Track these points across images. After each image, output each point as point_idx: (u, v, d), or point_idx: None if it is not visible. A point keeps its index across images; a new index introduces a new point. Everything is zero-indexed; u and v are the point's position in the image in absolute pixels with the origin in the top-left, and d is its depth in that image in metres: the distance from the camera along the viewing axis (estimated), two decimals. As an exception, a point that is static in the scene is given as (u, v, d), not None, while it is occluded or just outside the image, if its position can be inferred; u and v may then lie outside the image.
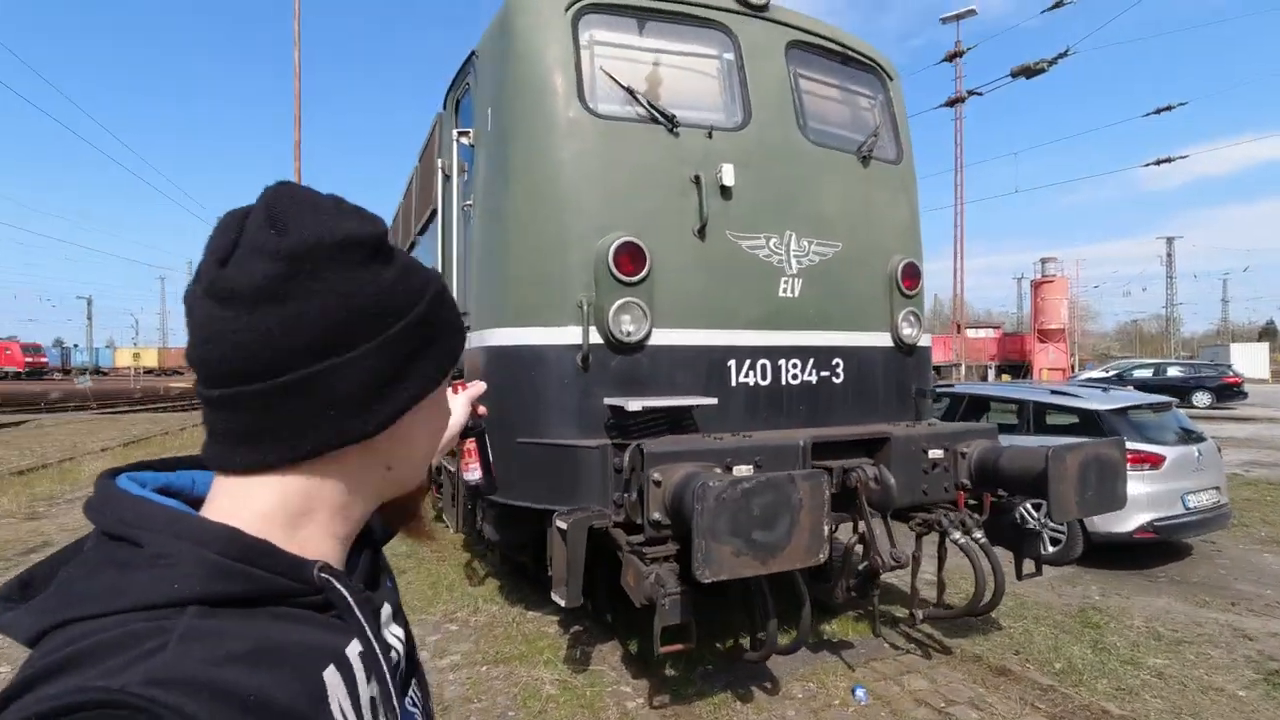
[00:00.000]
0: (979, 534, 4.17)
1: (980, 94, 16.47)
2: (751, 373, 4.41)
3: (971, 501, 4.52)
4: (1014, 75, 12.95)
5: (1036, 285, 47.59)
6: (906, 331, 5.02)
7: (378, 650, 0.68)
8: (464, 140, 5.18)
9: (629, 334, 4.09)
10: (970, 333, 46.61)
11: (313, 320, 0.62)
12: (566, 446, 3.96)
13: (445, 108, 6.15)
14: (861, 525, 3.98)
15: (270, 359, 0.62)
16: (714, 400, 4.03)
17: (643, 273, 4.13)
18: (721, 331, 4.35)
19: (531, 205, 4.29)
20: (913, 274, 5.09)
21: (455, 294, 5.69)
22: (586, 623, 5.12)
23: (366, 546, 0.80)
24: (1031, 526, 6.33)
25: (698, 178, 4.29)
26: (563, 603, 3.62)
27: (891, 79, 5.49)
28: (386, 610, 0.78)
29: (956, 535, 4.14)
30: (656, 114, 4.32)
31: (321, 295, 0.63)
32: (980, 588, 4.17)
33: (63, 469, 13.13)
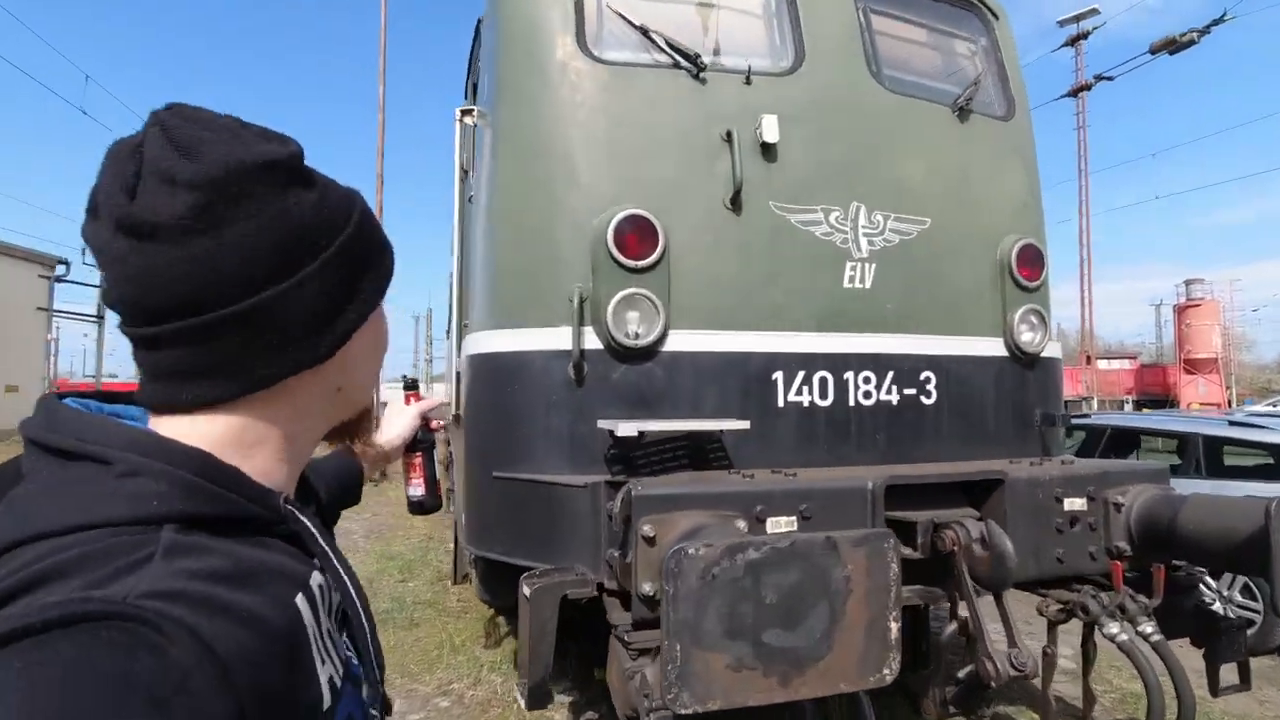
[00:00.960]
0: (1149, 627, 2.82)
1: (1111, 78, 14.32)
2: (806, 389, 3.29)
3: (1131, 572, 3.15)
4: (1154, 51, 10.93)
5: (1181, 310, 42.69)
6: (1026, 336, 3.74)
7: (338, 585, 0.73)
8: (467, 120, 4.41)
9: (635, 336, 3.09)
10: (1102, 364, 42.16)
11: (249, 248, 0.62)
12: (545, 484, 2.98)
13: (465, 96, 5.47)
14: (962, 607, 2.74)
15: (211, 292, 0.61)
16: (745, 424, 2.93)
17: (654, 255, 3.13)
18: (764, 334, 3.26)
19: (518, 175, 3.41)
20: (1033, 260, 3.81)
21: (457, 305, 4.95)
22: (604, 709, 4.05)
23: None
24: (1226, 612, 4.70)
25: (730, 134, 3.27)
26: (522, 702, 2.60)
27: (996, 18, 4.29)
28: (336, 544, 0.81)
29: (1113, 628, 2.80)
30: (677, 56, 3.36)
31: (252, 221, 0.62)
32: (1155, 709, 2.80)
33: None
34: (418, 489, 1.26)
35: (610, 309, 3.06)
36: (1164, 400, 40.85)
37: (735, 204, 3.28)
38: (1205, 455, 5.71)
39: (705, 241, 3.26)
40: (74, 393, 0.69)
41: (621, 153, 3.29)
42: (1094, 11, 24.70)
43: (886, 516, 2.78)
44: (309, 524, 0.71)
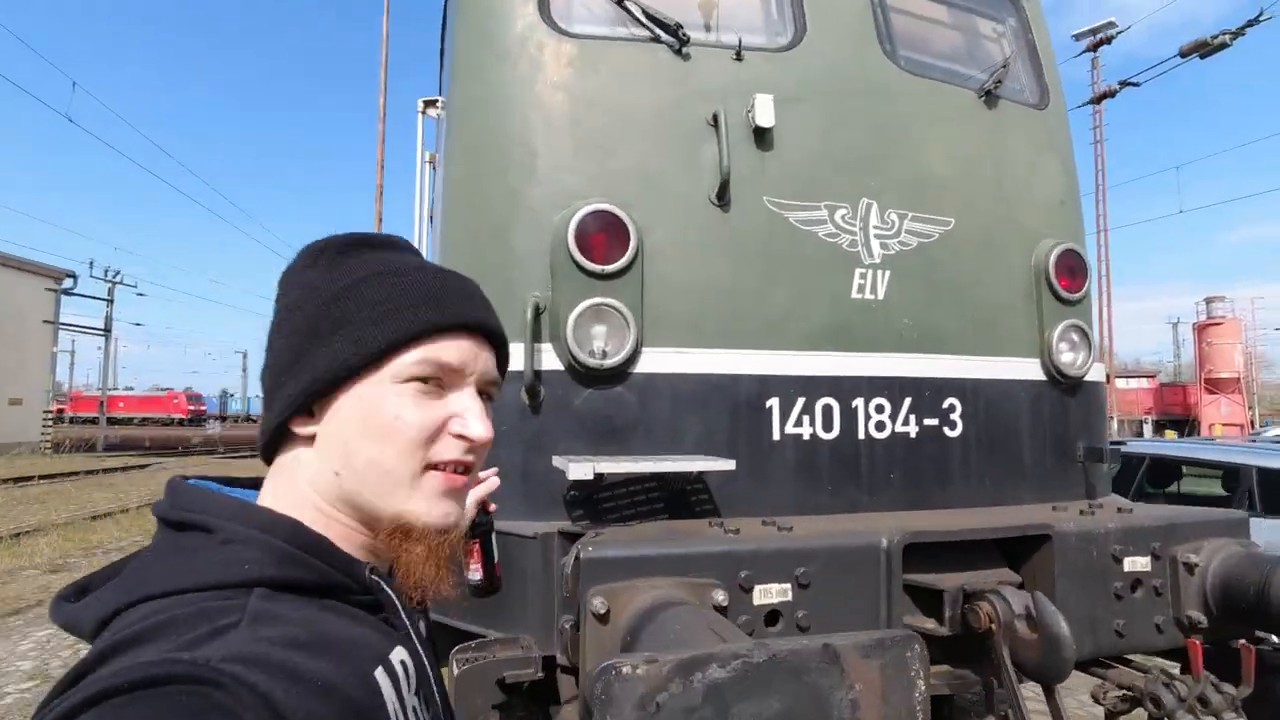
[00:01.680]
0: (1236, 719, 2.24)
1: (1137, 84, 13.67)
2: (807, 419, 2.75)
3: (1208, 645, 2.57)
4: (1184, 55, 10.31)
5: (1201, 328, 41.65)
6: (1067, 357, 3.19)
7: (425, 662, 0.76)
8: (431, 112, 3.94)
9: (601, 355, 2.58)
10: (1119, 383, 41.17)
11: (275, 316, 0.79)
12: (487, 535, 2.45)
13: (439, 89, 5.02)
14: (1000, 698, 2.18)
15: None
16: (730, 464, 2.39)
17: (624, 259, 2.63)
18: (757, 353, 2.74)
19: (470, 164, 2.93)
20: (1074, 268, 3.27)
21: None
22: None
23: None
24: None
25: (717, 116, 2.77)
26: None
27: (1027, -2, 3.78)
28: (423, 628, 0.84)
29: (1192, 725, 2.23)
30: (656, 28, 2.87)
31: (280, 298, 0.80)
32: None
33: (138, 515, 13.00)
34: (476, 574, 1.24)
35: (571, 322, 2.56)
36: (1185, 421, 39.74)
37: (723, 199, 2.77)
38: (1260, 489, 5.10)
39: (686, 243, 2.75)
40: (196, 477, 0.79)
41: (589, 138, 2.80)
42: (1111, 24, 24.28)
43: (905, 581, 2.23)
44: (394, 597, 0.74)
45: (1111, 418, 31.45)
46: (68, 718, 0.49)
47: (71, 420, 52.71)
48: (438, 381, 0.77)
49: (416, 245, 3.19)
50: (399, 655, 0.71)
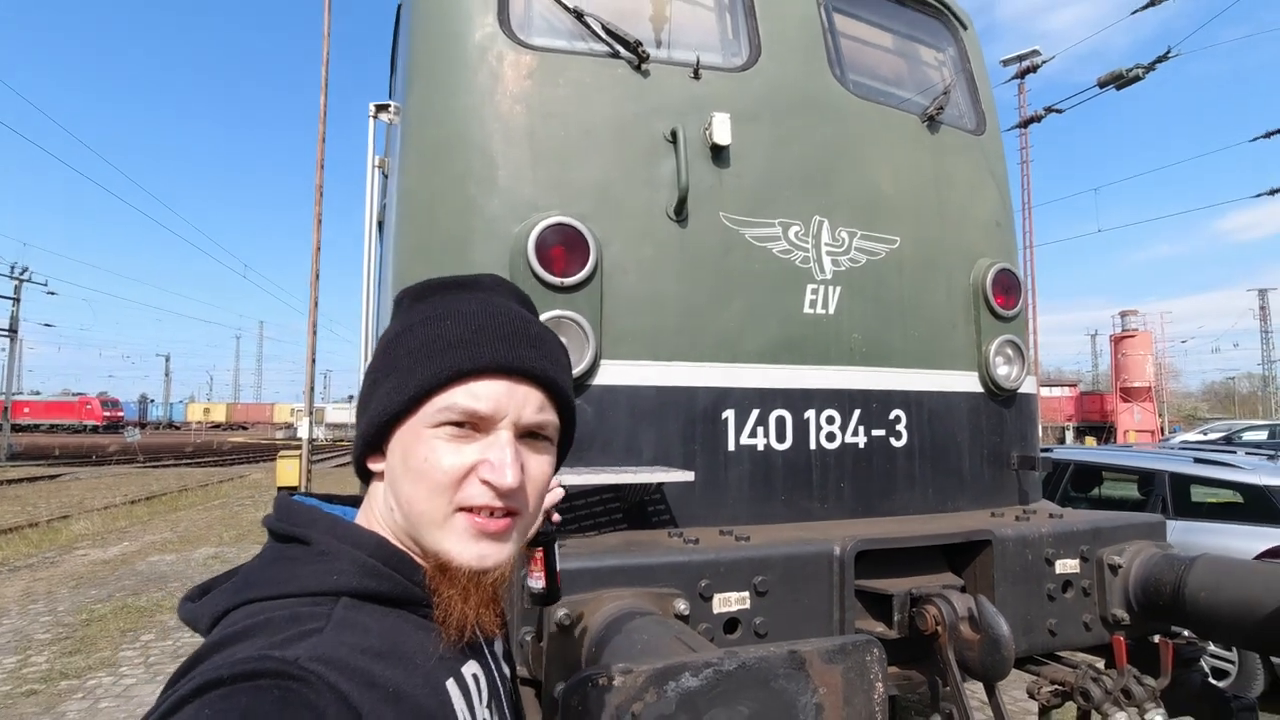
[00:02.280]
0: (1159, 715, 2.40)
1: (1060, 110, 14.53)
2: (761, 430, 2.82)
3: (1130, 641, 2.75)
4: (1102, 85, 11.03)
5: (1117, 340, 44.17)
6: (1003, 370, 3.36)
7: (496, 676, 0.83)
8: (383, 116, 3.88)
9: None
10: (1044, 391, 43.23)
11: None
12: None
13: (390, 94, 4.93)
14: (946, 696, 2.28)
15: None
16: (689, 475, 2.44)
17: (583, 272, 2.65)
18: (713, 366, 2.80)
19: (427, 174, 2.90)
20: (1009, 286, 3.46)
21: (365, 334, 4.38)
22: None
23: None
24: (1227, 689, 4.38)
25: (675, 132, 2.83)
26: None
27: (965, 27, 3.99)
28: (499, 645, 0.92)
29: (1119, 718, 2.38)
30: (615, 44, 2.91)
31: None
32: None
33: (49, 529, 12.23)
34: (538, 581, 1.26)
35: (531, 334, 2.55)
36: (1103, 427, 42.04)
37: (680, 214, 2.82)
38: (1172, 493, 5.47)
39: (644, 257, 2.79)
40: (300, 493, 0.87)
41: (548, 151, 2.81)
42: (1035, 52, 25.70)
43: (857, 587, 2.32)
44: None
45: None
46: (178, 706, 0.56)
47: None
48: (473, 425, 0.78)
49: (365, 252, 3.11)
50: (471, 669, 0.77)
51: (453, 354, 0.78)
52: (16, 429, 41.41)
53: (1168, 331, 56.29)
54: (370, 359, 0.86)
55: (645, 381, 2.69)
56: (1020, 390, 3.44)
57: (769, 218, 2.96)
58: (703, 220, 2.87)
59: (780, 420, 2.85)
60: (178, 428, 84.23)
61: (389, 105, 3.82)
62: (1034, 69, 18.49)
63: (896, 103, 3.51)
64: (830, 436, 2.91)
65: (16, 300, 32.28)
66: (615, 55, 2.93)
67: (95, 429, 68.15)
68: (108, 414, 70.60)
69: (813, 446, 2.87)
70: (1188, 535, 5.02)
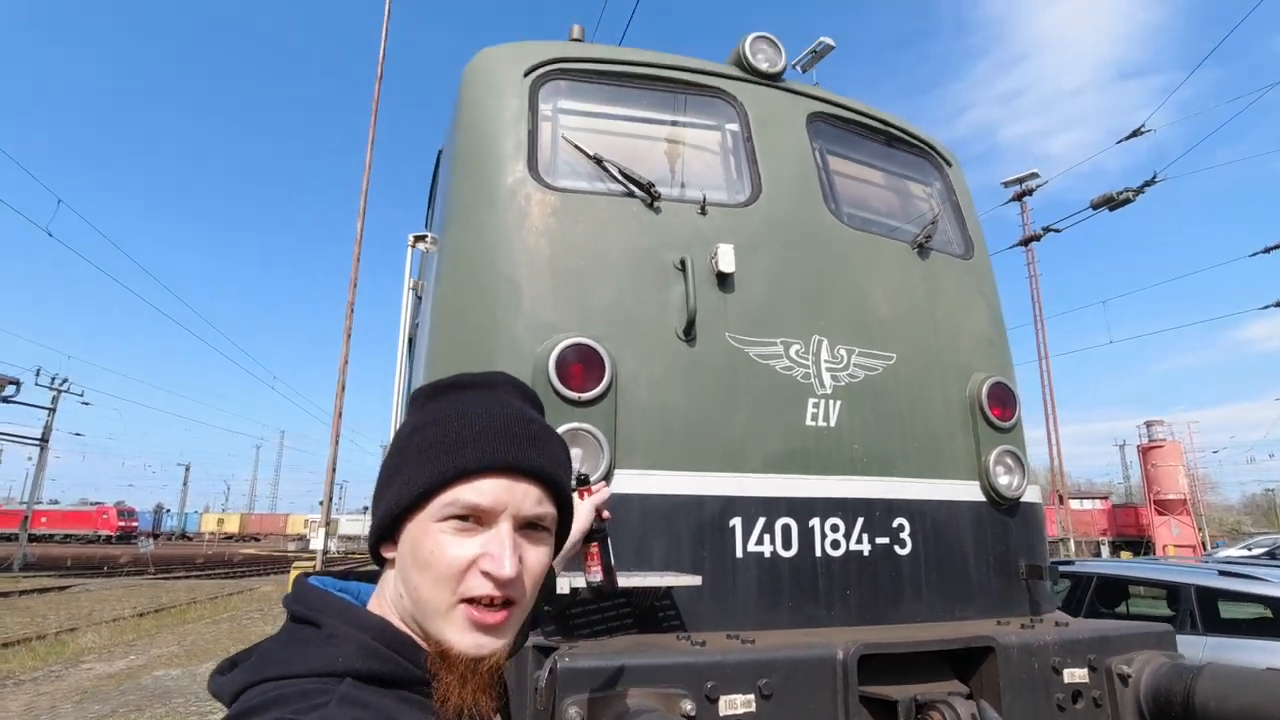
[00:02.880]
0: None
1: (1058, 230, 15.25)
2: (768, 537, 2.94)
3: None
4: (1095, 207, 11.68)
5: (1145, 451, 43.35)
6: (1004, 480, 3.48)
7: None
8: (420, 245, 4.29)
9: (578, 477, 2.76)
10: (1074, 504, 41.99)
11: None
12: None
13: (425, 226, 5.42)
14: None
15: None
16: (696, 580, 2.56)
17: (599, 387, 2.88)
18: (720, 476, 2.96)
19: (458, 301, 3.22)
20: (1004, 399, 3.64)
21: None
22: None
23: None
24: None
25: (684, 261, 3.15)
26: None
27: (949, 164, 4.40)
28: None
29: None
30: (630, 185, 3.29)
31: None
32: None
33: (56, 641, 12.08)
34: (595, 575, 1.33)
35: (550, 444, 2.76)
36: (1140, 541, 40.43)
37: (689, 335, 3.09)
38: (1200, 607, 5.34)
39: (656, 373, 3.03)
40: (320, 573, 0.94)
41: (568, 278, 3.13)
42: (1034, 174, 26.99)
43: (860, 693, 2.37)
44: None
45: (1067, 539, 31.85)
46: None
47: (-14, 536, 49.15)
48: (475, 519, 0.85)
49: (396, 365, 3.41)
50: None
51: (458, 453, 0.85)
52: (32, 539, 41.42)
53: (1197, 442, 55.17)
54: (389, 452, 0.94)
55: (656, 490, 2.86)
56: (1024, 499, 3.54)
57: (771, 337, 3.21)
58: (710, 340, 3.12)
59: (786, 528, 2.97)
60: (190, 538, 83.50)
61: (426, 236, 4.23)
62: (1029, 192, 19.53)
63: (888, 231, 3.84)
64: (835, 544, 3.01)
65: (52, 410, 33.23)
66: (630, 194, 3.31)
67: (109, 539, 67.81)
68: (122, 524, 70.40)
69: (818, 554, 2.98)
70: (1220, 652, 4.87)
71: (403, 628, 0.85)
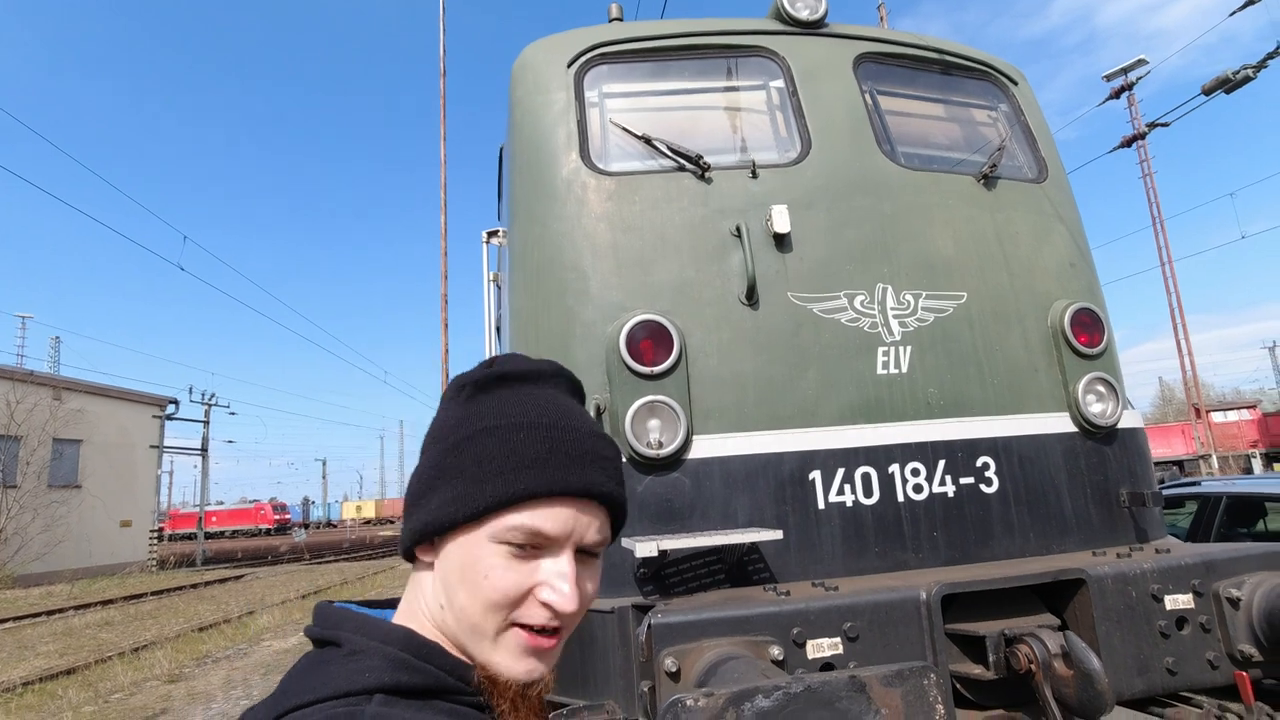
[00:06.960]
0: (1296, 753, 2.32)
1: (1166, 124, 13.76)
2: (849, 488, 3.03)
3: (1267, 680, 2.65)
4: (1207, 92, 10.37)
5: (1300, 350, 38.97)
6: (1096, 408, 3.38)
7: None
8: (494, 241, 4.54)
9: (658, 445, 2.95)
10: (1217, 416, 38.56)
11: (428, 432, 0.88)
12: (570, 612, 2.79)
13: (498, 218, 5.69)
14: (1055, 737, 2.33)
15: None
16: (777, 534, 2.69)
17: (670, 360, 3.03)
18: (795, 432, 3.06)
19: (531, 293, 3.43)
20: (1090, 324, 3.50)
21: None
22: None
23: None
24: None
25: (739, 228, 3.22)
26: None
27: (1015, 83, 4.18)
28: None
29: (1249, 757, 2.32)
30: (679, 159, 3.38)
31: (435, 417, 0.89)
32: None
33: (239, 624, 13.71)
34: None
35: (629, 419, 2.95)
36: (1300, 451, 36.77)
37: (751, 299, 3.17)
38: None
39: (723, 340, 3.14)
40: (351, 601, 0.89)
41: (630, 259, 3.27)
42: (1141, 62, 23.97)
43: (947, 630, 2.45)
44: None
45: (1210, 455, 29.42)
46: None
47: (170, 537, 55.72)
48: (534, 545, 0.79)
49: (486, 353, 3.76)
50: None
51: (527, 475, 0.79)
52: (207, 536, 46.54)
53: (1367, 334, 48.93)
54: (429, 442, 0.86)
55: (734, 452, 3.00)
56: (1121, 425, 3.43)
57: (833, 291, 3.24)
58: (772, 301, 3.20)
59: (866, 476, 3.04)
60: (335, 525, 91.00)
61: (498, 231, 4.48)
62: (1129, 86, 17.55)
63: (950, 166, 3.74)
64: (917, 488, 3.06)
65: (206, 423, 36.93)
66: (681, 169, 3.39)
67: (268, 531, 75.11)
68: (278, 517, 77.73)
69: (900, 499, 3.04)
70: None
71: (430, 634, 0.80)
